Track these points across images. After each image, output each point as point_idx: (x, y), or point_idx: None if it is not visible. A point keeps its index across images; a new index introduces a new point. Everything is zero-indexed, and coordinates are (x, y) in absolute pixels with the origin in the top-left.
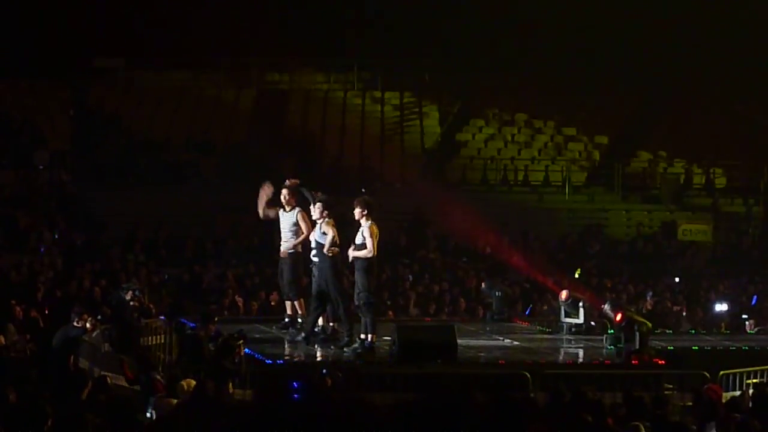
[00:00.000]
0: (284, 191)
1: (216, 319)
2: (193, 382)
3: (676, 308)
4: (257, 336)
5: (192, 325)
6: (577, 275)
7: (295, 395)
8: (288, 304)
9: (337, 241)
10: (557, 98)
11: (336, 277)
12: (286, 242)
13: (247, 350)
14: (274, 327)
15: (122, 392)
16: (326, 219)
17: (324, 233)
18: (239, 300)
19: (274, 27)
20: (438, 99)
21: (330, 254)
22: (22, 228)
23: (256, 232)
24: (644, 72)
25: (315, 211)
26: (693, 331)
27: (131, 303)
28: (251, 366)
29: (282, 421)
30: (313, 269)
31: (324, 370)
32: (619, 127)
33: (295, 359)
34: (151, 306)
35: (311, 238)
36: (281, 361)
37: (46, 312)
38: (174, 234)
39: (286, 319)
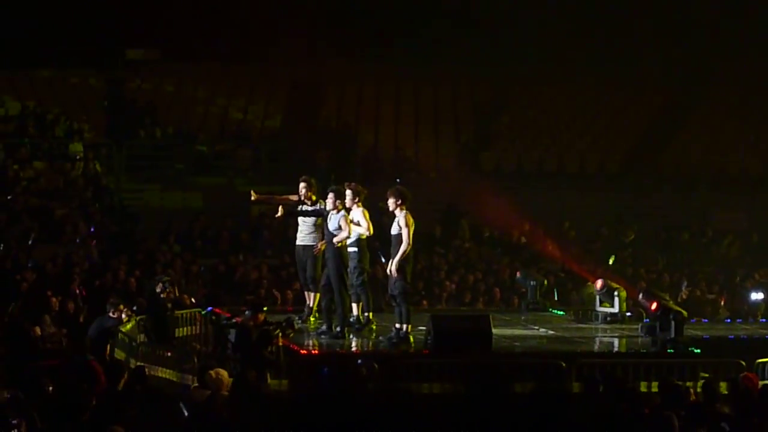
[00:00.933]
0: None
1: (265, 308)
2: (223, 372)
3: (711, 297)
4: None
5: (226, 315)
6: (611, 262)
7: (324, 382)
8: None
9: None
10: (590, 86)
11: (340, 268)
12: (312, 235)
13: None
14: (297, 318)
15: (158, 383)
16: (342, 211)
17: (339, 227)
18: (276, 293)
19: (308, 17)
20: (472, 88)
21: (338, 244)
22: (57, 219)
23: (290, 223)
24: (680, 61)
25: (328, 201)
26: (729, 320)
27: (161, 295)
28: (287, 356)
29: (318, 412)
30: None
31: (359, 361)
32: (654, 114)
33: (333, 349)
34: (185, 297)
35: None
36: (317, 352)
37: (82, 303)
38: (209, 225)
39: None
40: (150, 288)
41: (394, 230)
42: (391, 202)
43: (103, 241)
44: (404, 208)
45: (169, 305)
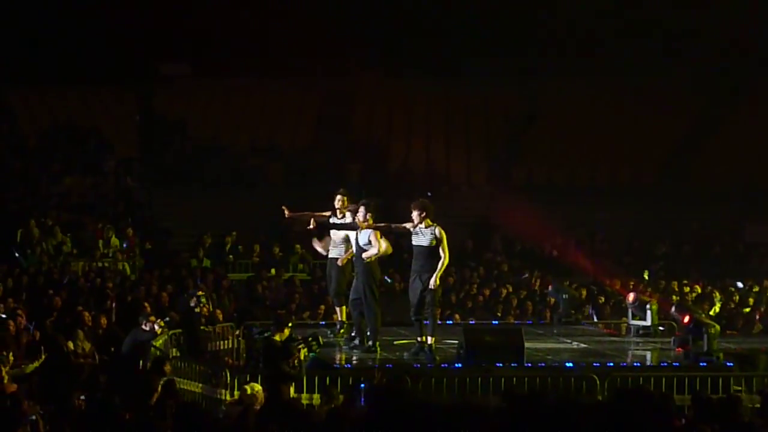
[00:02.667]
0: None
1: (290, 324)
2: (257, 387)
3: (745, 310)
4: (324, 340)
5: (257, 330)
6: (646, 276)
7: (361, 398)
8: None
9: (385, 251)
10: (622, 98)
11: (370, 282)
12: (340, 248)
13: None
14: (329, 331)
15: (191, 397)
16: (374, 226)
17: (369, 242)
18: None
19: (338, 30)
20: (505, 100)
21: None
22: (89, 234)
23: (322, 237)
24: (712, 72)
25: (359, 215)
26: (761, 333)
27: (196, 310)
28: (317, 370)
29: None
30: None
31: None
32: (686, 126)
33: (365, 363)
34: (218, 311)
35: (355, 241)
36: (349, 365)
37: (114, 318)
38: (241, 239)
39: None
40: (184, 302)
41: (422, 242)
42: (415, 215)
43: (135, 256)
44: (431, 221)
45: (203, 320)
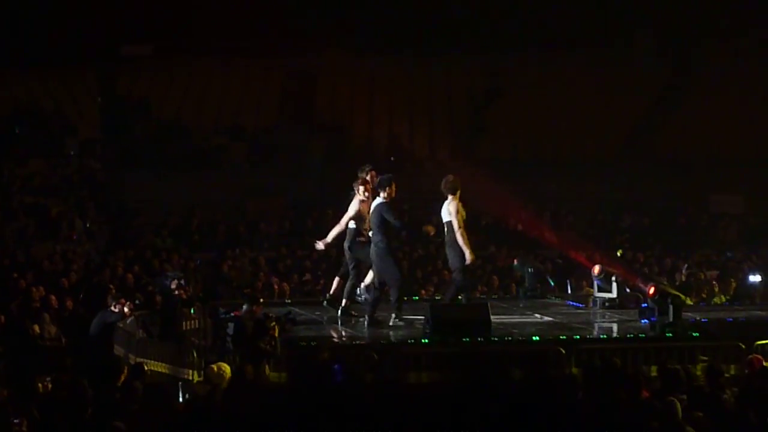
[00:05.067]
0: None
1: (262, 301)
2: (224, 366)
3: (711, 274)
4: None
5: (225, 309)
6: (619, 254)
7: (337, 377)
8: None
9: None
10: (584, 72)
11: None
12: None
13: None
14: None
15: (157, 379)
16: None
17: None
18: (276, 281)
19: (300, 9)
20: (467, 76)
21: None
22: (53, 217)
23: (287, 216)
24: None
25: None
26: (727, 303)
27: (176, 292)
28: (286, 348)
29: (317, 403)
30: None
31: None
32: (649, 99)
33: (332, 341)
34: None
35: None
36: (315, 343)
37: (79, 299)
38: (205, 219)
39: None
40: (162, 284)
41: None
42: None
43: (99, 237)
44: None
45: (179, 304)
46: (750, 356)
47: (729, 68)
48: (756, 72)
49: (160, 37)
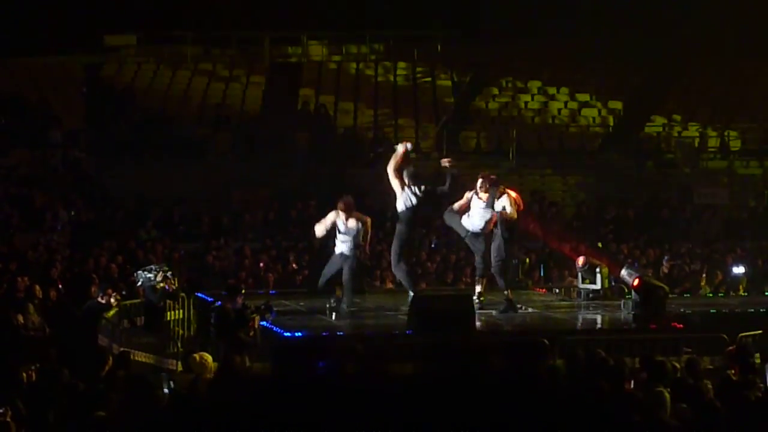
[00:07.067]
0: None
1: (243, 291)
2: (207, 356)
3: (694, 267)
4: (276, 309)
5: (209, 299)
6: (600, 245)
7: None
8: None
9: None
10: (570, 65)
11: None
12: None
13: (266, 323)
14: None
15: (141, 369)
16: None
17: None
18: (262, 266)
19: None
20: (451, 68)
21: None
22: (37, 207)
23: (271, 207)
24: (657, 36)
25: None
26: (711, 295)
27: (162, 285)
28: (269, 339)
29: (300, 394)
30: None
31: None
32: (633, 92)
33: (316, 332)
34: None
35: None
36: (300, 334)
37: (63, 290)
38: (190, 209)
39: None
40: (145, 277)
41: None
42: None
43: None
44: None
45: (165, 297)
46: (729, 348)
47: (712, 61)
48: (738, 65)
49: (145, 27)
